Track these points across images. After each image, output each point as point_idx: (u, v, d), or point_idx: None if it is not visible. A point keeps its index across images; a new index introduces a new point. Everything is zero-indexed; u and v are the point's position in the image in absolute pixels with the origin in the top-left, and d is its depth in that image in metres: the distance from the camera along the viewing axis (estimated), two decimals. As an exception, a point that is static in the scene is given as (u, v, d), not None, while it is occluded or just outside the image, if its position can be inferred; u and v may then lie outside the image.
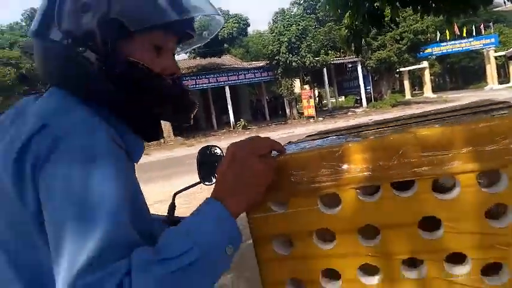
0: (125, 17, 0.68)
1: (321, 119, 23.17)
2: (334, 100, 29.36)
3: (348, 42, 5.84)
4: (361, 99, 26.98)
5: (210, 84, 23.28)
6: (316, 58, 23.67)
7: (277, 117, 26.49)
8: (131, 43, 0.72)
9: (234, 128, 22.75)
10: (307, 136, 1.22)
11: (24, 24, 22.30)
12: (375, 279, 0.66)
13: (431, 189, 0.62)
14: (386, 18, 5.20)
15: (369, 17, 4.97)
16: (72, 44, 0.70)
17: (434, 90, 35.44)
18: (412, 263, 0.67)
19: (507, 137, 0.57)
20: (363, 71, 26.31)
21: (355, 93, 28.65)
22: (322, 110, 27.25)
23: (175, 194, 1.14)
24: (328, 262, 0.68)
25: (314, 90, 26.30)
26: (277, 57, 22.99)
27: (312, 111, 23.62)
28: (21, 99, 0.81)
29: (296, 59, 22.82)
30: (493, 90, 29.97)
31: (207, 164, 1.17)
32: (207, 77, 22.96)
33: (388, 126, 0.94)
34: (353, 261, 0.66)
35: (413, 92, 36.91)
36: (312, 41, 23.46)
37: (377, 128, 0.96)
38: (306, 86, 24.21)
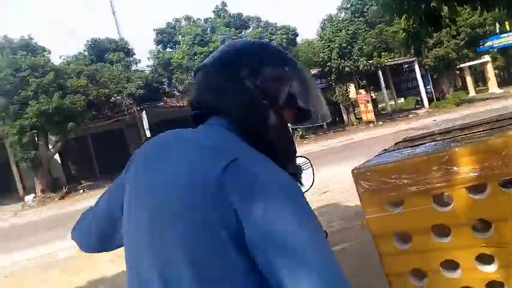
0: (298, 96, 0.93)
1: (381, 123, 22.61)
2: (393, 102, 28.55)
3: (407, 45, 5.78)
4: (421, 99, 26.03)
5: (265, 97, 23.58)
6: (370, 61, 23.25)
7: (335, 124, 26.22)
8: (286, 111, 0.94)
9: (291, 138, 22.83)
10: (396, 143, 1.30)
11: (87, 54, 23.84)
12: (491, 267, 0.74)
13: None
14: (443, 17, 5.11)
15: (426, 18, 4.90)
16: (259, 96, 0.90)
17: (500, 84, 33.26)
18: None
19: None
20: (420, 70, 25.42)
21: (415, 93, 27.67)
22: (381, 114, 26.58)
23: None
24: (446, 254, 0.78)
25: (370, 94, 25.74)
26: (329, 64, 22.89)
27: (371, 116, 23.13)
28: (172, 131, 0.97)
29: (349, 64, 22.59)
30: None
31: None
32: (262, 89, 23.28)
33: (474, 132, 0.99)
34: (469, 252, 0.76)
35: (477, 88, 34.85)
36: (363, 44, 23.13)
37: (466, 133, 1.02)
38: (362, 91, 23.80)
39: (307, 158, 1.32)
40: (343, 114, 24.80)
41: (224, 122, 0.91)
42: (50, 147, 18.69)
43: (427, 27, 5.10)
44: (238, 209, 0.75)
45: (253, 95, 0.89)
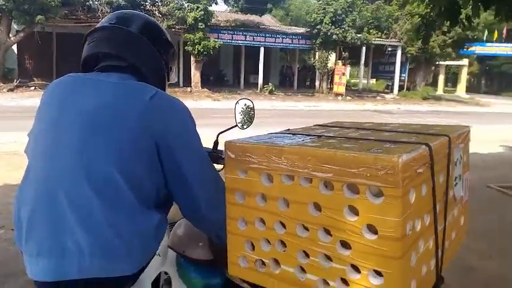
0: (171, 60, 1.40)
1: (349, 98, 22.98)
2: (366, 81, 28.92)
3: (418, 31, 5.86)
4: (392, 85, 26.53)
5: (246, 42, 23.20)
6: (359, 35, 23.21)
7: (305, 87, 26.35)
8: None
9: (260, 91, 22.81)
10: (314, 125, 1.46)
11: None
12: (282, 230, 1.01)
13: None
14: (461, 15, 5.14)
15: (445, 10, 4.89)
16: (163, 61, 1.35)
17: (468, 90, 34.32)
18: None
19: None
20: (401, 57, 25.73)
21: (388, 78, 28.08)
22: (351, 89, 26.95)
23: (219, 134, 1.61)
24: (260, 213, 1.04)
25: (346, 67, 25.88)
26: (318, 27, 22.61)
27: (342, 89, 23.37)
28: (80, 74, 1.25)
29: (338, 32, 22.42)
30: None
31: (242, 113, 1.64)
32: (245, 34, 22.84)
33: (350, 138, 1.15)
34: (273, 216, 1.02)
35: (445, 88, 35.73)
36: (357, 16, 22.96)
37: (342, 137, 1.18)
38: (340, 62, 23.89)
39: (252, 102, 1.68)
40: (316, 81, 24.93)
41: (131, 75, 1.22)
42: (11, 35, 17.76)
43: (444, 20, 5.12)
44: (163, 119, 1.13)
45: (161, 60, 1.32)
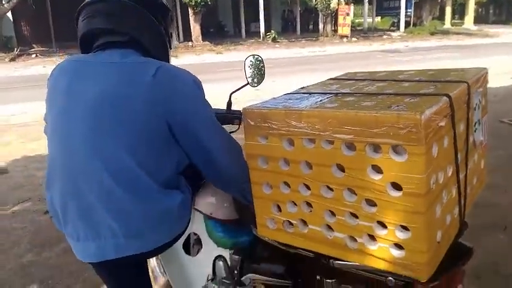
0: (170, 25, 1.35)
1: (355, 39, 22.31)
2: (370, 20, 27.97)
3: None
4: (398, 22, 25.67)
5: (244, -11, 22.38)
6: (361, -30, 22.18)
7: (308, 32, 25.63)
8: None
9: (263, 39, 22.25)
10: (330, 79, 1.45)
11: None
12: (307, 192, 1.03)
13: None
14: None
15: None
16: (164, 33, 1.31)
17: (476, 21, 33.03)
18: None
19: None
20: (406, -9, 24.72)
21: (394, 14, 27.11)
22: (356, 30, 26.15)
23: (231, 94, 1.60)
24: (284, 177, 1.06)
25: (350, 7, 24.97)
26: (317, -34, 21.61)
27: (347, 30, 22.64)
28: (83, 56, 1.24)
29: (338, -31, 21.42)
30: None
31: (252, 69, 1.61)
32: (241, -21, 22.01)
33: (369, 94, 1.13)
34: (297, 179, 1.03)
35: (453, 20, 34.40)
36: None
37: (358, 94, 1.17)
38: (342, 1, 23.01)
39: (259, 56, 1.64)
40: (320, 24, 24.17)
41: (132, 49, 1.20)
42: (4, 2, 17.32)
43: None
44: (168, 94, 1.12)
45: (160, 28, 1.27)
